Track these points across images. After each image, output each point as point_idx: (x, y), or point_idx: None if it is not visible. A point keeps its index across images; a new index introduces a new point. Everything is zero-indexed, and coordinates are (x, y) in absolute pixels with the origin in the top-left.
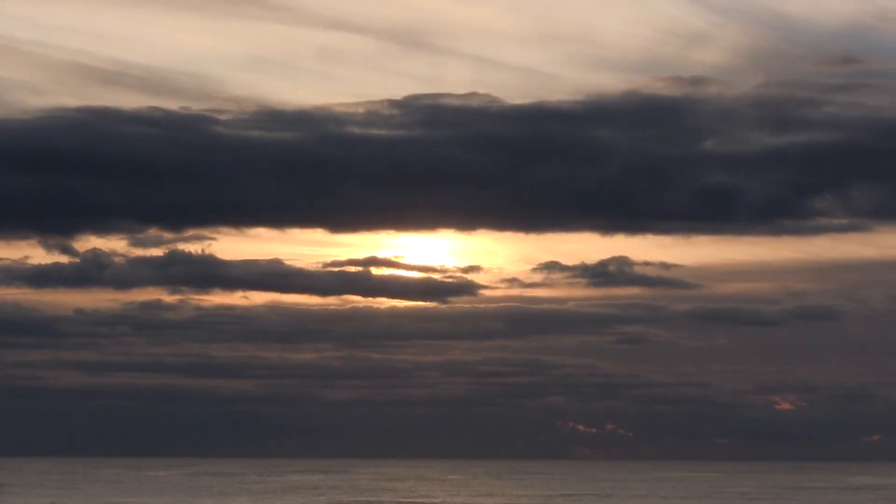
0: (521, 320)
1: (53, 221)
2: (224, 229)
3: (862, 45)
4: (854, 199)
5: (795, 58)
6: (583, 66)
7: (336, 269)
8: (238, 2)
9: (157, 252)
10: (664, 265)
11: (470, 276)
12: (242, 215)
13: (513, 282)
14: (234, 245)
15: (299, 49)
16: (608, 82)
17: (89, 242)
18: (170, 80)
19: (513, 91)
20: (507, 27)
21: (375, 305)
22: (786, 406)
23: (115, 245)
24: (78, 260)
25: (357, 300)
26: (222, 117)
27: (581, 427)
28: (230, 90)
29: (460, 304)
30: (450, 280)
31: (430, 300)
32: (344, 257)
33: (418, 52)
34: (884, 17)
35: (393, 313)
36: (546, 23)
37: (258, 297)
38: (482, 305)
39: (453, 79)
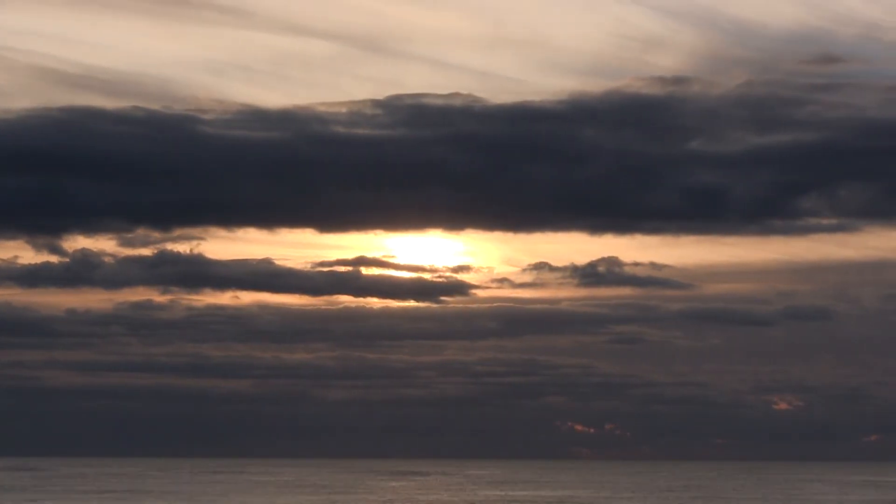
0: (514, 320)
1: (41, 222)
2: (212, 229)
3: (814, 49)
4: (841, 199)
5: (749, 61)
6: (542, 70)
7: (326, 269)
8: (199, 8)
9: (145, 252)
10: (654, 265)
11: (460, 276)
12: (231, 215)
13: (503, 282)
14: (222, 245)
15: (259, 53)
16: (571, 85)
17: (77, 242)
18: (138, 84)
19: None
20: (463, 31)
21: (368, 305)
22: (783, 406)
23: (103, 245)
24: (67, 260)
25: (349, 300)
26: (206, 117)
27: (579, 427)
28: (195, 92)
29: (453, 304)
30: (441, 280)
31: (423, 300)
32: (333, 257)
33: (378, 56)
34: (835, 21)
35: (386, 313)
36: (502, 27)
37: (249, 297)
38: (474, 305)
39: (414, 82)
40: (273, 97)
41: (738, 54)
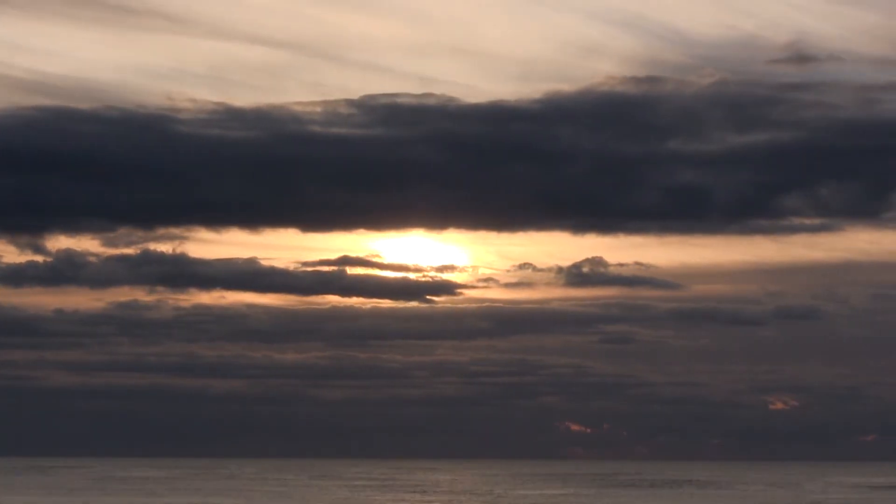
0: (503, 320)
1: (22, 221)
2: (195, 228)
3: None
4: (823, 199)
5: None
6: (485, 76)
7: (311, 269)
8: (149, 16)
9: (129, 251)
10: (639, 265)
11: (446, 276)
12: (213, 214)
13: (489, 281)
14: (205, 244)
15: (200, 59)
16: (515, 90)
17: (59, 242)
18: (92, 89)
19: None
20: (399, 37)
21: (356, 305)
22: (779, 406)
23: (86, 245)
24: (51, 259)
25: (338, 300)
26: (181, 116)
27: (575, 427)
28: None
29: (441, 304)
30: (427, 280)
31: (411, 300)
32: (318, 257)
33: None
34: (764, 28)
35: (375, 313)
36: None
37: (235, 297)
38: (462, 305)
39: (355, 87)
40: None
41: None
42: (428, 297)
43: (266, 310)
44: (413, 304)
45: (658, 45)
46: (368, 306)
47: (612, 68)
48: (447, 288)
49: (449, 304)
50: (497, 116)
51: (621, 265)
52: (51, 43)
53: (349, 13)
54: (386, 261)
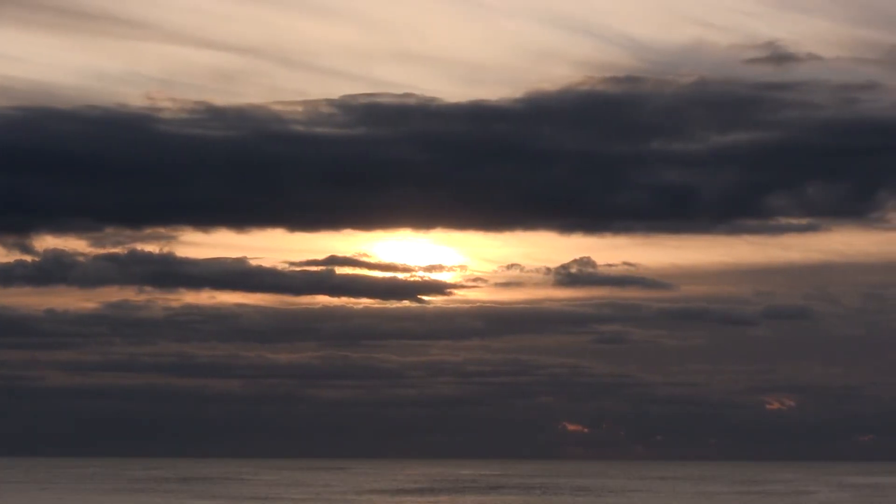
0: (496, 320)
1: (8, 221)
2: (181, 228)
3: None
4: (810, 199)
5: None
6: (449, 82)
7: (300, 269)
8: (99, 21)
9: (117, 251)
10: (628, 265)
11: (435, 276)
12: (199, 214)
13: (478, 281)
14: (192, 243)
15: (159, 63)
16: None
17: (46, 242)
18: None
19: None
20: (357, 44)
21: (348, 305)
22: (776, 406)
23: (73, 244)
24: (39, 259)
25: (329, 300)
26: (162, 115)
27: (572, 427)
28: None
29: (433, 304)
30: (417, 279)
31: (402, 300)
32: (306, 257)
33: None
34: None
35: (367, 313)
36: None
37: (225, 297)
38: (454, 305)
39: (315, 91)
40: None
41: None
42: (419, 296)
43: (257, 310)
44: (404, 303)
45: (610, 49)
46: (360, 306)
47: (566, 72)
48: (438, 288)
49: (440, 304)
50: (478, 116)
51: (610, 265)
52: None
53: (302, 18)
54: (374, 260)
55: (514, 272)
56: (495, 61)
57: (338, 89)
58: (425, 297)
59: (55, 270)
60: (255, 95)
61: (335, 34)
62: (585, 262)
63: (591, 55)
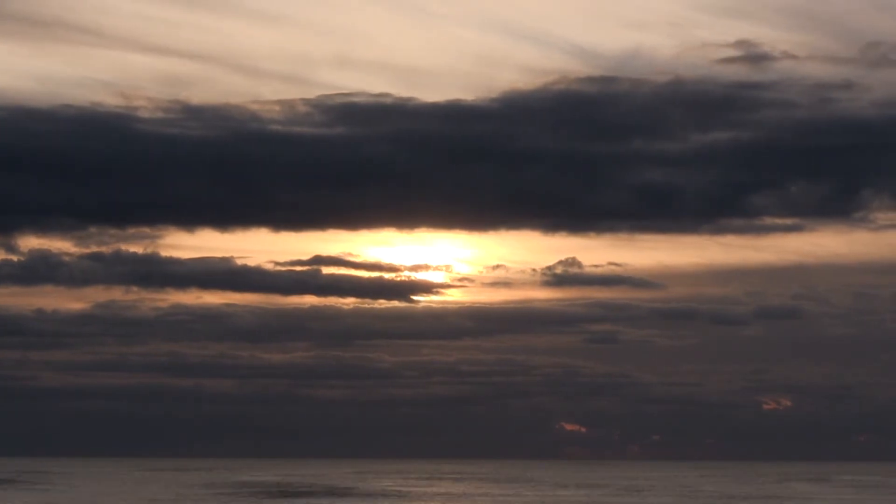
0: (486, 320)
1: None
2: (166, 227)
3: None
4: (793, 198)
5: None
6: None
7: (286, 269)
8: (54, 27)
9: (102, 251)
10: (614, 265)
11: (423, 276)
12: (183, 213)
13: (465, 281)
14: (177, 243)
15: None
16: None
17: (30, 242)
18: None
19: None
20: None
21: (337, 304)
22: (773, 406)
23: (58, 244)
24: (24, 258)
25: (318, 299)
26: (140, 114)
27: (569, 426)
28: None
29: (423, 303)
30: (404, 279)
31: (392, 299)
32: (291, 256)
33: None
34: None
35: (357, 313)
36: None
37: (213, 297)
38: (444, 305)
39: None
40: None
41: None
42: (409, 296)
43: (247, 309)
44: (394, 303)
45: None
46: (350, 306)
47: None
48: (426, 288)
49: (429, 304)
50: (457, 116)
51: (596, 266)
52: None
53: (248, 24)
54: (360, 260)
55: (500, 272)
56: (440, 66)
57: (285, 93)
58: (415, 297)
59: (41, 270)
60: (202, 100)
61: (281, 40)
62: (571, 262)
63: (536, 60)
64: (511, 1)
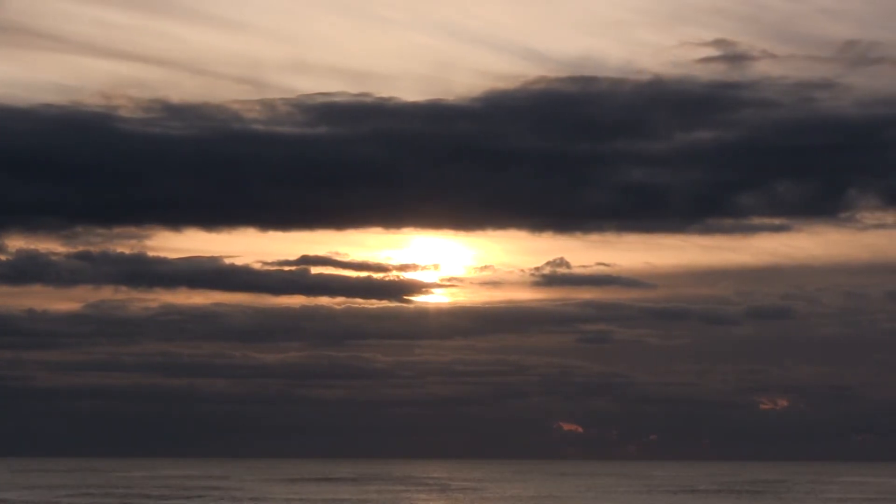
0: (479, 319)
1: None
2: (153, 227)
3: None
4: (779, 198)
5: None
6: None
7: (275, 268)
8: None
9: (90, 250)
10: (603, 265)
11: (412, 275)
12: (171, 213)
13: (453, 280)
14: (164, 243)
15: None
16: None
17: (17, 241)
18: None
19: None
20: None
21: (331, 305)
22: (769, 406)
23: (46, 244)
24: (12, 258)
25: (309, 299)
26: (121, 113)
27: (567, 426)
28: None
29: (415, 303)
30: (394, 279)
31: (383, 299)
32: (278, 256)
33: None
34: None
35: (350, 313)
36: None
37: (202, 296)
38: (435, 305)
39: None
40: None
41: None
42: (401, 296)
43: (238, 309)
44: (385, 303)
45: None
46: (342, 306)
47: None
48: (417, 287)
49: (421, 304)
50: (438, 115)
51: (584, 266)
52: None
53: (205, 30)
54: (347, 259)
55: (489, 273)
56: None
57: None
58: (406, 297)
59: (30, 270)
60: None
61: (238, 45)
62: (559, 262)
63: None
64: (463, 6)
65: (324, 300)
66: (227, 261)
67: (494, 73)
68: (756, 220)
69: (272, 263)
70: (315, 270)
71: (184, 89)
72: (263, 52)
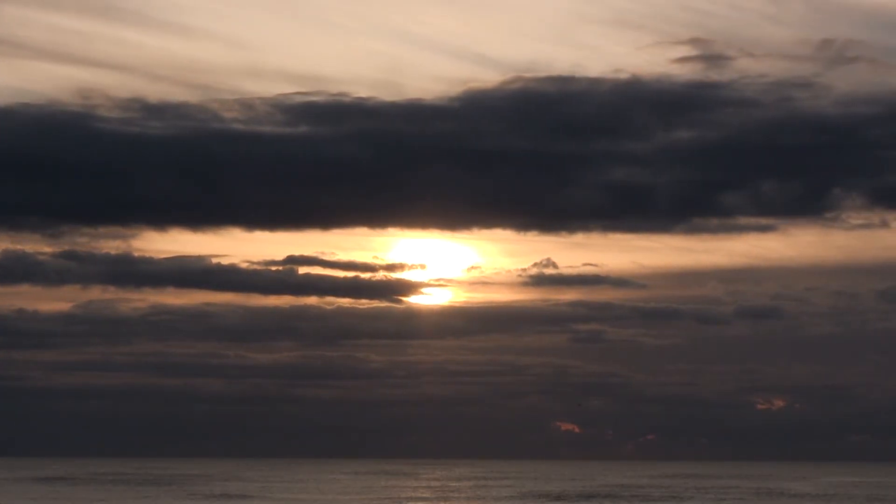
0: (471, 319)
1: None
2: (139, 227)
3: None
4: (764, 197)
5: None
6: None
7: (262, 268)
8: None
9: (76, 249)
10: (590, 264)
11: (398, 275)
12: (157, 213)
13: (441, 280)
14: (150, 243)
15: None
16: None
17: (2, 242)
18: None
19: None
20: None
21: (321, 304)
22: (766, 406)
23: (32, 245)
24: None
25: (298, 299)
26: (101, 112)
27: (564, 426)
28: None
29: (406, 303)
30: (382, 278)
31: (373, 299)
32: (264, 255)
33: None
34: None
35: (341, 313)
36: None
37: (190, 296)
38: (426, 304)
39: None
40: None
41: None
42: (391, 296)
43: (228, 309)
44: (375, 302)
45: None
46: (333, 306)
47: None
48: (405, 287)
49: (412, 304)
50: (419, 114)
51: (571, 266)
52: None
53: (159, 35)
54: (334, 259)
55: (477, 273)
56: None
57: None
58: (397, 297)
59: (17, 269)
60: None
61: (199, 51)
62: (546, 262)
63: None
64: (414, 13)
65: (313, 300)
66: (214, 260)
67: (448, 77)
68: (742, 220)
69: (259, 263)
70: (302, 270)
71: (141, 93)
72: (216, 57)
